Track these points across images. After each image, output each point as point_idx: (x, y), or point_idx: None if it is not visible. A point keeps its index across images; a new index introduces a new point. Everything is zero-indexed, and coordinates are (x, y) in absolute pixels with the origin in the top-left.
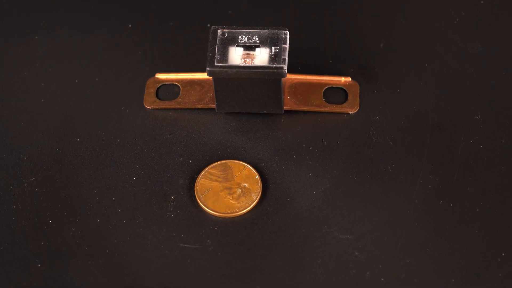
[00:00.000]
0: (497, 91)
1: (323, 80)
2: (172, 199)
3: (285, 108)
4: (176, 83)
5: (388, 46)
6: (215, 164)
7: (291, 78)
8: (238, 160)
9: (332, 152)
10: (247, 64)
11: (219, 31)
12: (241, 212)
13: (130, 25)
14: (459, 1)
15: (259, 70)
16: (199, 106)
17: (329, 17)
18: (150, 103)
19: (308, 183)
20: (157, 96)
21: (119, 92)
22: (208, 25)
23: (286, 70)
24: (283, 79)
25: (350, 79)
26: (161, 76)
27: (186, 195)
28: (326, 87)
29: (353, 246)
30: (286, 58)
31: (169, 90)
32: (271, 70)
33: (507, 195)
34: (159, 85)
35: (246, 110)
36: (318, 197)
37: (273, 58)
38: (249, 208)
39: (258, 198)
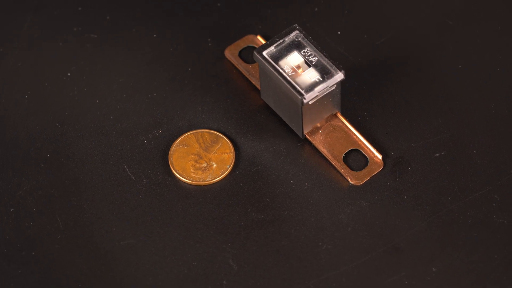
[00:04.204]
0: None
1: (360, 141)
2: (159, 130)
3: (308, 138)
4: None
5: (442, 159)
6: (213, 131)
7: (338, 119)
8: (232, 144)
9: (301, 198)
10: (282, 72)
11: (296, 31)
12: (187, 181)
13: None
14: None
15: (285, 84)
16: (254, 83)
17: (417, 99)
18: (229, 53)
19: (257, 205)
20: (240, 52)
21: (219, 30)
22: (339, 33)
23: (306, 101)
24: (327, 113)
25: (381, 159)
26: (259, 38)
27: (170, 137)
28: (356, 148)
29: (233, 276)
30: (318, 91)
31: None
32: (292, 91)
33: None
34: (250, 44)
35: (277, 112)
36: (250, 220)
37: (311, 85)
38: (195, 183)
39: (210, 182)
